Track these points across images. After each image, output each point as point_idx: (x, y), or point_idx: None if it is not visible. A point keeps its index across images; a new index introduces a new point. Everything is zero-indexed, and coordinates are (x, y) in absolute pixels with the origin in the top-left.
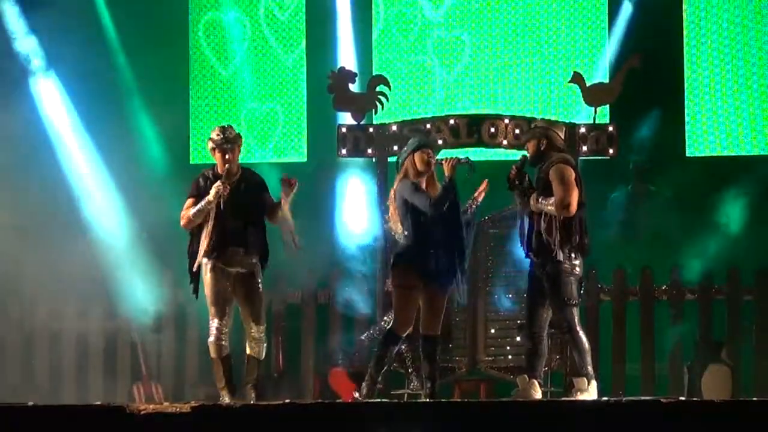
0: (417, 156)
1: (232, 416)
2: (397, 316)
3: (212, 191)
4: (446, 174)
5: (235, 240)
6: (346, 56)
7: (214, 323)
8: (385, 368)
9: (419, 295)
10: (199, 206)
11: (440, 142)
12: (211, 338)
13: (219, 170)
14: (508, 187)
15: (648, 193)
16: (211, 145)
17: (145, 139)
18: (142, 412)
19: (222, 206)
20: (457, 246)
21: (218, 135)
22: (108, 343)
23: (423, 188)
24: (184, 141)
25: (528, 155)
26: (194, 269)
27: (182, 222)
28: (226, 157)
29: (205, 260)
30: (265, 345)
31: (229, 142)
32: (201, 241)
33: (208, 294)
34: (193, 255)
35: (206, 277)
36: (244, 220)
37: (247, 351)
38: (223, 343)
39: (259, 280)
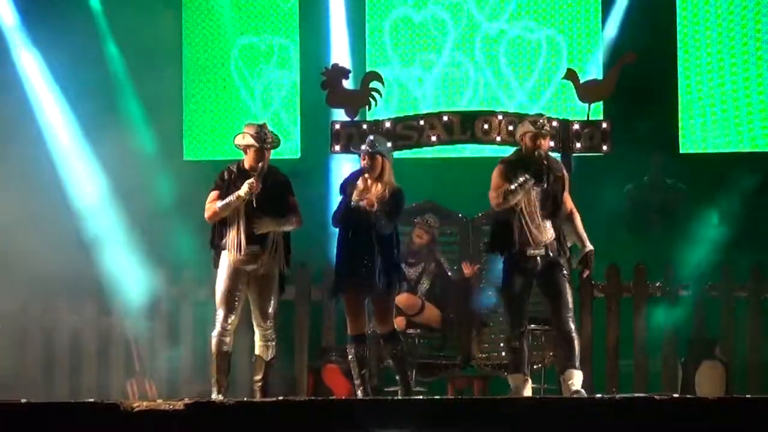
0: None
1: (225, 413)
2: (346, 318)
3: (245, 187)
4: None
5: (255, 239)
6: (340, 53)
7: (219, 319)
8: (366, 368)
9: (353, 298)
10: (228, 200)
11: (434, 138)
12: (214, 333)
13: (247, 166)
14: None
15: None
16: (248, 142)
17: (138, 135)
18: (136, 409)
19: (253, 203)
20: (375, 246)
21: (258, 133)
22: (101, 339)
23: (353, 192)
24: (177, 137)
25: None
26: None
27: (207, 214)
28: (263, 156)
29: (225, 256)
30: (273, 345)
31: (268, 143)
32: (226, 236)
33: (220, 290)
34: (217, 248)
35: (222, 272)
36: (267, 219)
37: (255, 351)
38: (226, 339)
39: (275, 280)
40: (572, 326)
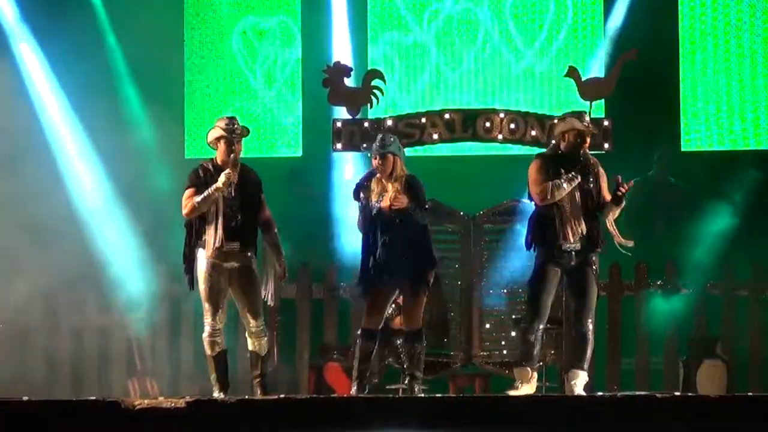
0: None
1: (227, 411)
2: (365, 310)
3: (222, 179)
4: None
5: (233, 235)
6: (342, 50)
7: (208, 319)
8: (368, 364)
9: (380, 294)
10: (206, 193)
11: (435, 136)
12: (205, 334)
13: (220, 161)
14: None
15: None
16: (218, 134)
17: (139, 133)
18: (137, 407)
19: (230, 197)
20: (405, 243)
21: (227, 125)
22: (103, 337)
23: (368, 196)
24: (179, 136)
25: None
26: (191, 262)
27: (185, 210)
28: (233, 147)
29: (202, 255)
30: (266, 339)
31: (237, 133)
32: (206, 235)
33: (203, 289)
34: (191, 248)
35: (202, 272)
36: (242, 216)
37: (249, 347)
38: (217, 339)
39: (256, 276)
40: (590, 327)
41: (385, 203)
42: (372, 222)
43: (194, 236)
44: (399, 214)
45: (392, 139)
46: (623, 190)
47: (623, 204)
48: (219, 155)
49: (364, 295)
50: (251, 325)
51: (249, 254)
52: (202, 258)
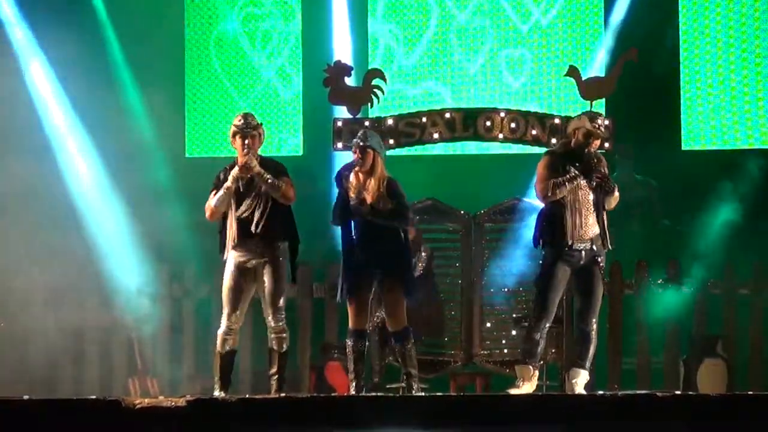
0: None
1: (227, 410)
2: (348, 312)
3: (230, 176)
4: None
5: (253, 233)
6: (342, 50)
7: (225, 317)
8: (362, 363)
9: (360, 292)
10: (219, 194)
11: (436, 135)
12: (220, 331)
13: (239, 161)
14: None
15: (634, 182)
16: (232, 130)
17: (140, 133)
18: (138, 406)
19: (241, 195)
20: (382, 239)
21: (240, 121)
22: (103, 336)
23: (347, 187)
24: (179, 135)
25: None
26: (224, 260)
27: (207, 214)
28: (246, 142)
29: (232, 255)
30: (285, 336)
31: (250, 127)
32: (227, 233)
33: (224, 287)
34: (222, 247)
35: (228, 270)
36: (261, 211)
37: (269, 344)
38: (229, 338)
39: (282, 271)
40: (594, 327)
41: (366, 198)
42: (349, 215)
43: (223, 236)
44: (376, 212)
45: (373, 135)
46: (599, 176)
47: (612, 192)
48: (238, 154)
49: (347, 297)
50: (270, 320)
51: (277, 250)
52: (231, 258)
